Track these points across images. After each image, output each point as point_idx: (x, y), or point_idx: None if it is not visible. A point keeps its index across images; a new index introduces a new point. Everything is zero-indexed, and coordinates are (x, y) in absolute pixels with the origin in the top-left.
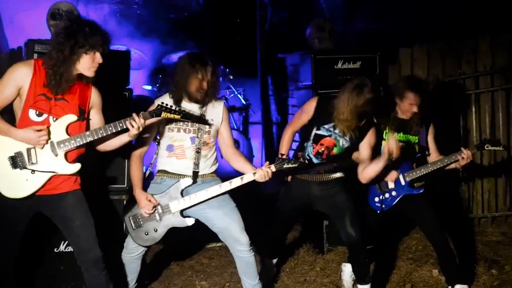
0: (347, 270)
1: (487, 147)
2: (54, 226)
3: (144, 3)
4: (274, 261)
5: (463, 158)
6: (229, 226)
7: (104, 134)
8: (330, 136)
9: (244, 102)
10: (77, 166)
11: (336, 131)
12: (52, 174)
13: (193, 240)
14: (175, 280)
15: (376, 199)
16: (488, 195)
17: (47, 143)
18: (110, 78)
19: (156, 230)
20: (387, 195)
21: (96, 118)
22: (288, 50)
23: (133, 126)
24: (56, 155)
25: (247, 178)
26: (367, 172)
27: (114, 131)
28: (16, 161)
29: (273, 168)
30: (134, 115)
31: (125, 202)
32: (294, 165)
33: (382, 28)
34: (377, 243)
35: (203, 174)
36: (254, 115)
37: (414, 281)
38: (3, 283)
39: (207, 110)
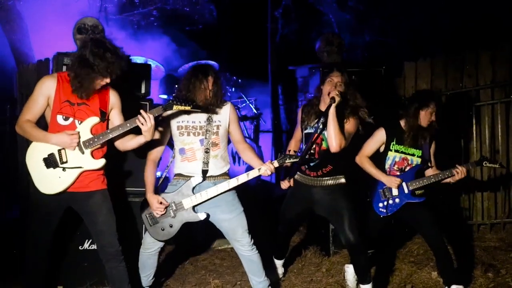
0: (350, 270)
1: (485, 164)
2: (79, 225)
3: (161, 15)
4: (282, 261)
5: (457, 173)
6: (234, 229)
7: (123, 131)
8: (316, 132)
9: (255, 111)
10: (102, 161)
11: (321, 125)
12: (81, 170)
13: (206, 242)
14: (189, 278)
15: (380, 204)
16: (488, 203)
17: (78, 145)
18: (131, 90)
19: (172, 225)
20: (391, 201)
21: (117, 118)
22: (298, 62)
23: (141, 123)
24: (83, 153)
25: (253, 174)
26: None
27: (131, 127)
28: (49, 161)
29: (276, 163)
30: (142, 111)
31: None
32: (295, 160)
33: (388, 42)
34: (379, 247)
35: (215, 176)
36: (265, 123)
37: (414, 282)
38: (37, 270)
39: (214, 113)
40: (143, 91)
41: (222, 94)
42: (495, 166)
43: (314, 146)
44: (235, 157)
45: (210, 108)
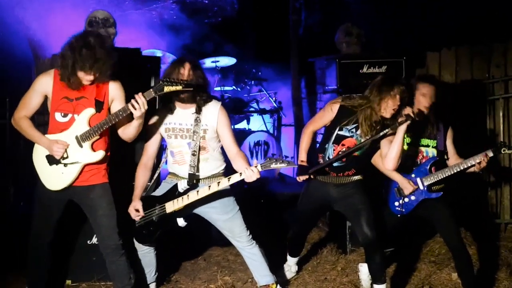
0: (364, 270)
1: (503, 150)
2: (87, 220)
3: (180, 8)
4: (296, 259)
5: (479, 162)
6: (231, 229)
7: (117, 119)
8: (351, 137)
9: (275, 105)
10: (100, 154)
11: (358, 132)
12: (79, 165)
13: (220, 236)
14: (200, 275)
15: (396, 203)
16: None
17: (63, 155)
18: (140, 82)
19: (152, 229)
20: (406, 199)
21: (119, 108)
22: (321, 53)
23: (135, 108)
24: (82, 146)
25: (234, 178)
26: (388, 157)
27: (124, 114)
28: (51, 158)
29: (259, 167)
30: (135, 96)
31: None
32: (282, 165)
33: (411, 32)
34: (398, 246)
35: (207, 177)
36: (285, 117)
37: (433, 283)
38: (39, 262)
39: (202, 115)
40: (152, 84)
41: (205, 85)
42: None
43: (344, 149)
44: (252, 151)
45: (196, 101)
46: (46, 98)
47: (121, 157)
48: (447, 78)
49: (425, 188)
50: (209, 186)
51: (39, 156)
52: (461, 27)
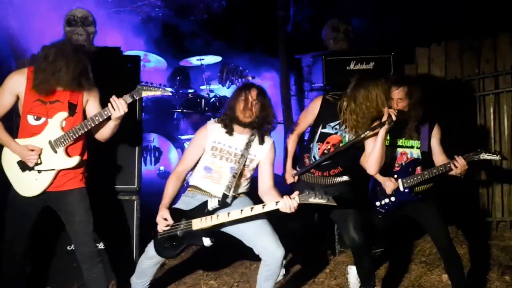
0: (353, 272)
1: (482, 156)
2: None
3: (165, 6)
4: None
5: (456, 167)
6: (263, 239)
7: (93, 125)
8: (336, 133)
9: None
10: (75, 159)
11: (342, 128)
12: (54, 172)
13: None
14: (185, 279)
15: (378, 203)
16: (508, 198)
17: (38, 161)
18: (120, 82)
19: (175, 243)
20: (386, 200)
21: (94, 109)
22: (310, 50)
23: (114, 109)
24: (56, 152)
25: (269, 207)
26: (369, 162)
27: (100, 119)
28: (23, 165)
29: (297, 199)
30: (113, 97)
31: (135, 203)
32: (321, 201)
33: (400, 27)
34: (388, 246)
35: (235, 194)
36: None
37: (423, 285)
38: (14, 270)
39: (254, 145)
40: (132, 83)
41: (270, 114)
42: (495, 159)
43: (329, 147)
44: None
45: (255, 125)
46: (18, 98)
47: (98, 162)
48: (437, 74)
49: (406, 190)
50: (241, 210)
51: (9, 161)
52: (451, 23)
